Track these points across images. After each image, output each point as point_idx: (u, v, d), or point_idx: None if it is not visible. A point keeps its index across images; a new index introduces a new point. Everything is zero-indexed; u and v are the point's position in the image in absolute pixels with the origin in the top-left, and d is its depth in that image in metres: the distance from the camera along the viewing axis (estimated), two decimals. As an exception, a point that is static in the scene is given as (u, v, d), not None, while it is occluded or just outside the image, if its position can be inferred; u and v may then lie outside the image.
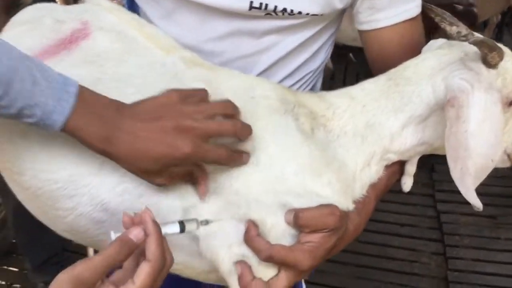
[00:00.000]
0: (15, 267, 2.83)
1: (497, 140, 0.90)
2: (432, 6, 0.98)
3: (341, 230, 0.90)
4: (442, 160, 2.98)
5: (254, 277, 0.87)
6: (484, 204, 2.84)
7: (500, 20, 4.73)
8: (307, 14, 1.07)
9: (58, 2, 3.29)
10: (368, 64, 1.19)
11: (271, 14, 1.07)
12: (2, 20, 1.08)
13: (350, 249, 2.87)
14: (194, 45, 1.10)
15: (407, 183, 1.07)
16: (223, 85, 0.95)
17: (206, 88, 0.88)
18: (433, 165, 3.44)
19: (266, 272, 0.88)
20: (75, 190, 0.91)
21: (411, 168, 1.05)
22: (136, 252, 0.73)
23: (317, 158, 0.92)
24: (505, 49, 0.94)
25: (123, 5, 1.17)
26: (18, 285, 2.74)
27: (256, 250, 0.86)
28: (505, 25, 4.99)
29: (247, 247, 0.87)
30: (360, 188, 0.97)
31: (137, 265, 0.72)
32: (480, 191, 0.89)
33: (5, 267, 2.84)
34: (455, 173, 0.89)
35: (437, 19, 0.94)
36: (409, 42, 1.10)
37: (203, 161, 0.84)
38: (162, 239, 0.73)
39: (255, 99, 0.94)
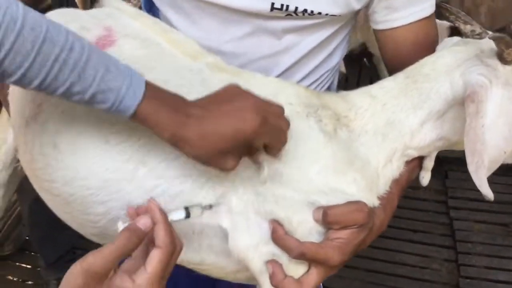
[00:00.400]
0: (28, 264, 2.86)
1: (511, 134, 0.92)
2: (447, 5, 0.99)
3: (369, 226, 0.92)
4: (456, 167, 3.00)
5: (285, 276, 0.88)
6: (497, 212, 2.85)
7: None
8: (327, 14, 1.10)
9: (78, 4, 3.33)
10: (384, 63, 1.22)
11: (291, 15, 1.09)
12: None
13: (361, 254, 2.86)
14: (215, 47, 1.12)
15: (425, 178, 1.10)
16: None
17: None
18: (446, 172, 3.42)
19: (297, 269, 0.90)
20: (108, 196, 0.92)
21: (429, 163, 1.08)
22: (145, 242, 0.76)
23: (340, 158, 0.94)
24: None
25: (140, 7, 1.18)
26: (31, 282, 2.77)
27: (286, 249, 0.88)
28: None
29: (275, 245, 0.89)
30: (383, 185, 0.99)
31: (146, 253, 0.74)
32: (493, 200, 0.91)
33: (18, 263, 2.87)
34: (471, 167, 0.91)
35: (451, 18, 0.96)
36: (424, 40, 1.12)
37: (269, 138, 0.85)
38: (169, 226, 0.76)
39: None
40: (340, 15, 1.12)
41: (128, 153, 0.91)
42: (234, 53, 1.14)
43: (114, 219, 0.91)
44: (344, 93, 1.06)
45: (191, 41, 1.06)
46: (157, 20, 1.09)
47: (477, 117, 0.90)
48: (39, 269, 2.68)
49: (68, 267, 2.06)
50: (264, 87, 0.98)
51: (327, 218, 0.88)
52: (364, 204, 0.91)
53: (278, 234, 0.88)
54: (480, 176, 0.91)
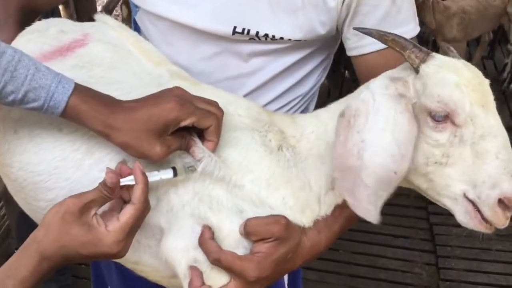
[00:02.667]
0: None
1: (401, 152, 0.83)
2: (393, 35, 0.89)
3: (290, 242, 0.92)
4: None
5: (203, 284, 0.91)
6: (474, 217, 2.81)
7: (492, 38, 4.84)
8: (289, 39, 1.09)
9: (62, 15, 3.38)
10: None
11: (254, 39, 1.10)
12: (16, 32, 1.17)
13: (344, 259, 2.95)
14: (185, 65, 1.16)
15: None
16: None
17: None
18: (425, 178, 3.49)
19: (216, 279, 0.92)
20: (56, 183, 0.97)
21: None
22: (120, 201, 0.87)
23: (276, 174, 0.96)
24: (438, 55, 0.87)
25: (131, 27, 1.25)
26: None
27: (206, 252, 0.91)
28: (497, 42, 5.11)
29: (201, 251, 0.92)
30: (325, 209, 0.98)
31: (120, 209, 0.85)
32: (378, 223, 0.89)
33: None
34: (343, 183, 0.87)
35: (397, 49, 0.88)
36: (396, 65, 1.04)
37: (193, 117, 0.89)
38: (147, 188, 0.85)
39: (227, 115, 0.99)
40: (305, 40, 1.10)
41: (78, 143, 0.96)
42: (202, 72, 1.17)
43: None
44: (296, 115, 1.08)
45: (160, 52, 1.12)
46: (134, 33, 1.16)
47: (351, 132, 0.86)
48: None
49: (55, 279, 2.13)
50: (217, 97, 1.00)
51: (246, 228, 0.91)
52: (283, 217, 0.92)
53: (204, 237, 0.90)
54: (357, 196, 0.86)
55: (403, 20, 1.08)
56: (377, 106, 0.86)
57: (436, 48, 4.64)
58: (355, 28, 1.00)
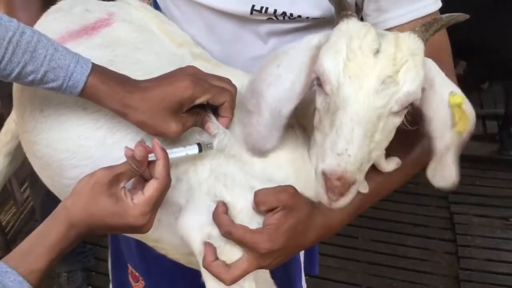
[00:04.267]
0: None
1: (289, 94, 0.87)
2: None
3: (299, 212, 0.92)
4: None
5: (217, 259, 0.92)
6: (496, 206, 2.91)
7: None
8: (307, 17, 1.09)
9: None
10: None
11: (272, 18, 1.11)
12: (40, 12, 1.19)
13: (363, 247, 2.95)
14: (206, 45, 1.18)
15: (362, 185, 0.98)
16: None
17: None
18: (447, 166, 3.46)
19: (230, 254, 0.93)
20: (80, 161, 1.01)
21: (386, 165, 1.00)
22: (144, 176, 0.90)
23: (283, 151, 0.96)
24: (355, 20, 0.85)
25: (150, 4, 1.26)
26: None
27: (218, 226, 0.92)
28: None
29: (215, 227, 0.93)
30: None
31: (144, 186, 0.88)
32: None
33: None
34: (248, 104, 0.92)
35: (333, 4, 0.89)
36: None
37: (207, 94, 0.92)
38: (168, 163, 0.88)
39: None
40: (324, 18, 1.10)
41: (101, 122, 0.99)
42: (222, 52, 1.18)
43: None
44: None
45: (184, 33, 1.14)
46: (158, 13, 1.18)
47: (272, 63, 0.90)
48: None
49: (77, 260, 2.18)
50: (237, 78, 1.02)
51: (255, 197, 0.91)
52: (291, 186, 0.92)
53: (217, 211, 0.92)
54: (253, 120, 0.91)
55: None
56: (298, 49, 0.89)
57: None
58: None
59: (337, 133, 0.78)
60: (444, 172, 0.93)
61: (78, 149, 1.00)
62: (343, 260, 2.87)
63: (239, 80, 1.02)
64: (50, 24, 1.13)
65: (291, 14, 1.09)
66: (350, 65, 0.79)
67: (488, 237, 3.01)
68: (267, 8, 1.08)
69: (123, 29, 1.11)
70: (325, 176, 0.78)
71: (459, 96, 0.86)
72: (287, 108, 0.88)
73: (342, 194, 0.79)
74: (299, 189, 0.94)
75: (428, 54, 0.86)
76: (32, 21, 1.16)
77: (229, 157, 0.96)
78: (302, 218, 0.93)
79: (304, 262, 1.42)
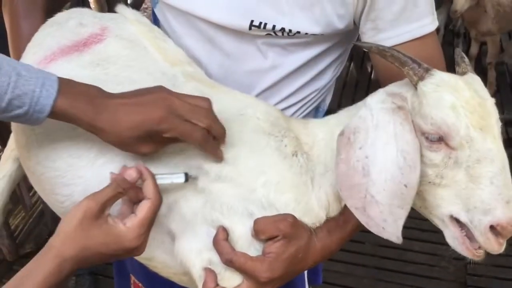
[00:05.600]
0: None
1: (408, 163, 0.82)
2: (392, 49, 0.89)
3: (299, 241, 0.93)
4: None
5: (217, 285, 0.92)
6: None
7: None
8: (306, 33, 1.08)
9: (92, 6, 3.42)
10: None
11: (271, 34, 1.09)
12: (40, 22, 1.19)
13: (370, 252, 2.95)
14: (205, 59, 1.17)
15: None
16: (218, 102, 0.99)
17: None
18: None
19: (230, 280, 0.93)
20: (71, 180, 1.00)
21: None
22: (131, 199, 0.88)
23: (287, 178, 0.96)
24: (438, 73, 0.85)
25: (150, 19, 1.26)
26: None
27: (219, 253, 0.92)
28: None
29: (216, 253, 0.93)
30: (330, 214, 0.99)
31: (132, 208, 0.87)
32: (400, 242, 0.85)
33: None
34: (352, 202, 0.86)
35: (396, 65, 0.87)
36: None
37: (175, 132, 0.89)
38: (156, 182, 0.88)
39: (244, 116, 1.01)
40: (322, 34, 1.09)
41: (91, 142, 0.98)
42: (222, 66, 1.17)
43: (77, 201, 0.97)
44: (309, 120, 1.08)
45: (178, 50, 1.12)
46: (155, 28, 1.16)
47: (352, 149, 0.85)
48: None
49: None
50: (236, 101, 1.03)
51: (255, 226, 0.92)
52: (290, 215, 0.93)
53: (218, 238, 0.92)
54: (371, 214, 0.84)
55: (420, 14, 1.06)
56: (376, 120, 0.85)
57: (468, 41, 4.58)
58: (354, 43, 1.01)
59: (493, 183, 0.80)
60: None
61: (68, 168, 1.00)
62: (351, 265, 2.87)
63: (235, 100, 1.02)
64: (43, 39, 1.13)
65: (290, 30, 1.08)
66: (474, 117, 0.81)
67: (496, 242, 2.99)
68: (265, 24, 1.07)
69: (115, 45, 1.09)
70: (501, 226, 0.79)
71: None
72: (413, 176, 0.83)
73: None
74: (298, 215, 0.95)
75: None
76: (34, 30, 1.17)
77: (225, 184, 0.95)
78: (302, 246, 0.94)
79: (308, 272, 1.41)
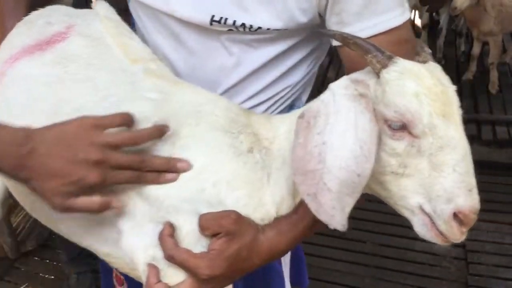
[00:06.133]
0: (49, 259, 2.95)
1: (364, 153, 0.81)
2: (356, 37, 0.87)
3: (242, 238, 0.91)
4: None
5: (159, 281, 0.91)
6: (506, 212, 2.90)
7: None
8: (268, 29, 1.05)
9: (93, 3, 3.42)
10: None
11: (232, 30, 1.07)
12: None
13: (371, 251, 2.95)
14: (174, 56, 1.16)
15: None
16: (176, 98, 1.00)
17: (149, 103, 0.97)
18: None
19: (173, 277, 0.92)
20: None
21: None
22: None
23: (240, 175, 0.94)
24: (400, 61, 0.84)
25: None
26: (53, 276, 2.84)
27: (163, 249, 0.90)
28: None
29: (160, 250, 0.91)
30: (281, 212, 0.97)
31: None
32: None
33: (41, 259, 2.96)
34: (304, 187, 0.85)
35: (359, 53, 0.86)
36: None
37: (114, 184, 0.89)
38: None
39: (201, 113, 0.99)
40: (286, 29, 1.05)
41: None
42: (188, 63, 1.16)
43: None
44: (274, 116, 1.07)
45: (143, 47, 1.11)
46: (120, 23, 1.15)
47: (310, 133, 0.84)
48: (60, 264, 2.77)
49: (87, 262, 2.20)
50: (196, 98, 1.01)
51: (199, 222, 0.90)
52: (234, 212, 0.91)
53: (163, 233, 0.91)
54: (321, 201, 0.83)
55: (386, 6, 1.01)
56: (337, 106, 0.84)
57: (470, 41, 4.58)
58: (318, 31, 0.98)
59: (456, 170, 0.79)
60: None
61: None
62: (352, 264, 2.87)
63: (195, 96, 1.01)
64: (13, 37, 1.13)
65: (251, 26, 1.05)
66: (437, 104, 0.81)
67: (497, 243, 3.00)
68: (226, 19, 1.05)
69: (77, 43, 1.08)
70: (463, 214, 0.79)
71: None
72: (367, 166, 0.82)
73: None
74: (249, 211, 0.94)
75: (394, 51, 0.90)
76: None
77: (175, 185, 0.93)
78: (245, 243, 0.91)
79: (292, 275, 1.40)
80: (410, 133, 0.81)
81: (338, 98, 0.84)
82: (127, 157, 0.88)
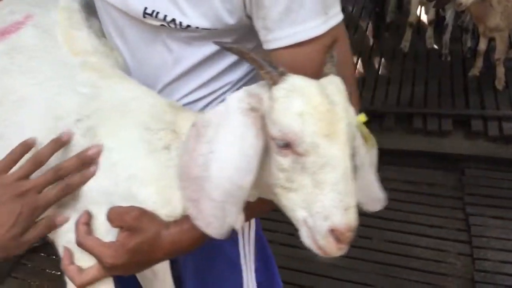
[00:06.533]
0: (57, 255, 2.94)
1: (248, 166, 0.84)
2: (252, 53, 0.87)
3: (144, 234, 0.95)
4: (472, 164, 3.06)
5: (72, 263, 0.99)
6: (512, 208, 2.76)
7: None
8: (197, 28, 1.04)
9: None
10: None
11: (165, 26, 1.06)
12: None
13: (376, 248, 2.96)
14: (119, 49, 1.18)
15: (237, 220, 0.96)
16: (106, 93, 1.04)
17: (79, 98, 1.03)
18: (463, 169, 3.48)
19: (85, 261, 0.99)
20: None
21: None
22: None
23: (151, 172, 0.98)
24: (291, 78, 0.85)
25: None
26: (59, 272, 2.85)
27: (75, 234, 0.98)
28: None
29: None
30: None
31: None
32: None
33: (48, 255, 2.96)
34: (187, 193, 0.89)
35: (255, 66, 0.88)
36: (302, 67, 0.96)
37: (50, 204, 0.97)
38: None
39: (126, 109, 1.03)
40: (216, 29, 1.04)
41: None
42: (131, 59, 1.17)
43: None
44: (201, 113, 1.07)
45: (89, 40, 1.14)
46: (74, 15, 1.18)
47: (199, 142, 0.87)
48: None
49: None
50: (125, 93, 1.05)
51: (107, 214, 0.97)
52: (137, 209, 0.96)
53: (79, 220, 0.98)
54: (202, 208, 0.88)
55: (306, 16, 0.99)
56: (228, 118, 0.86)
57: (476, 37, 4.56)
58: (214, 42, 0.99)
59: (334, 190, 0.81)
60: (371, 194, 0.99)
61: None
62: (357, 260, 2.87)
63: (124, 91, 1.05)
64: None
65: (181, 23, 1.05)
66: (321, 124, 0.81)
67: (504, 239, 2.99)
68: (158, 13, 1.05)
69: (29, 34, 1.12)
70: (339, 232, 0.81)
71: (361, 115, 0.91)
72: (247, 179, 0.85)
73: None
74: (157, 208, 0.97)
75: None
76: None
77: (91, 182, 1.00)
78: (146, 239, 0.96)
79: (263, 282, 1.41)
80: (294, 151, 0.83)
81: (230, 110, 0.87)
82: (42, 176, 0.96)
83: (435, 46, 4.84)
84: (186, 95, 1.18)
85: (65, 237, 1.00)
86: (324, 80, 0.87)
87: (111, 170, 0.99)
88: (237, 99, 0.87)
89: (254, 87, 0.90)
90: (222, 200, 0.86)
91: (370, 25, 5.36)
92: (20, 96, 1.05)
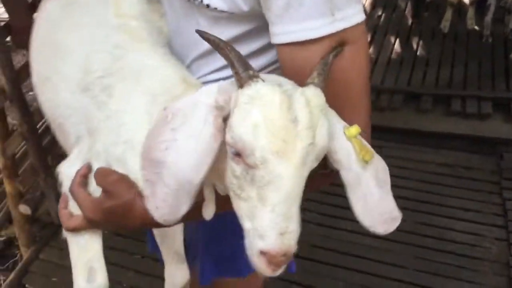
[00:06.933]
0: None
1: (198, 163, 0.82)
2: (229, 50, 0.85)
3: (117, 199, 1.00)
4: (511, 148, 2.98)
5: (66, 208, 1.10)
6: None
7: None
8: (215, 8, 1.02)
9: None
10: None
11: (190, 1, 1.05)
12: None
13: (411, 230, 2.94)
14: (168, 14, 1.23)
15: (207, 210, 0.98)
16: (131, 55, 1.12)
17: (110, 57, 1.12)
18: (502, 154, 3.43)
19: (75, 208, 1.08)
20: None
21: (208, 194, 0.98)
22: None
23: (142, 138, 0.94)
24: (258, 84, 0.80)
25: None
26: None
27: (71, 183, 1.07)
28: None
29: None
30: None
31: None
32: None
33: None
34: (146, 173, 0.88)
35: (227, 62, 0.85)
36: (301, 68, 0.94)
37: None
38: None
39: (142, 75, 1.09)
40: (233, 13, 1.02)
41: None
42: (173, 25, 1.22)
43: None
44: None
45: (134, 5, 1.22)
46: None
47: (165, 127, 0.86)
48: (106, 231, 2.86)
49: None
50: (149, 58, 1.12)
51: (95, 172, 1.04)
52: (115, 174, 1.01)
53: (78, 172, 1.07)
54: (156, 191, 0.86)
55: (306, 14, 0.92)
56: (194, 111, 0.84)
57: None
58: (197, 31, 0.91)
59: (274, 211, 0.77)
60: (380, 214, 0.92)
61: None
62: (391, 242, 2.87)
63: (145, 59, 1.11)
64: None
65: (201, 1, 1.03)
66: (274, 140, 0.77)
67: (541, 225, 2.94)
68: None
69: None
70: (269, 255, 0.77)
71: (354, 127, 0.87)
72: (198, 177, 0.83)
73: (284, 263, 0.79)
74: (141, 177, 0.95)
75: (334, 89, 0.90)
76: None
77: (101, 131, 1.08)
78: (119, 204, 1.00)
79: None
80: (244, 161, 0.80)
81: (199, 103, 0.84)
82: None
83: (476, 27, 4.73)
84: (210, 73, 1.18)
85: (66, 182, 1.11)
86: (300, 90, 0.82)
87: (116, 130, 1.05)
88: (206, 94, 0.85)
89: (228, 84, 0.86)
90: (175, 188, 0.84)
91: (409, 5, 5.26)
92: (68, 48, 1.19)
